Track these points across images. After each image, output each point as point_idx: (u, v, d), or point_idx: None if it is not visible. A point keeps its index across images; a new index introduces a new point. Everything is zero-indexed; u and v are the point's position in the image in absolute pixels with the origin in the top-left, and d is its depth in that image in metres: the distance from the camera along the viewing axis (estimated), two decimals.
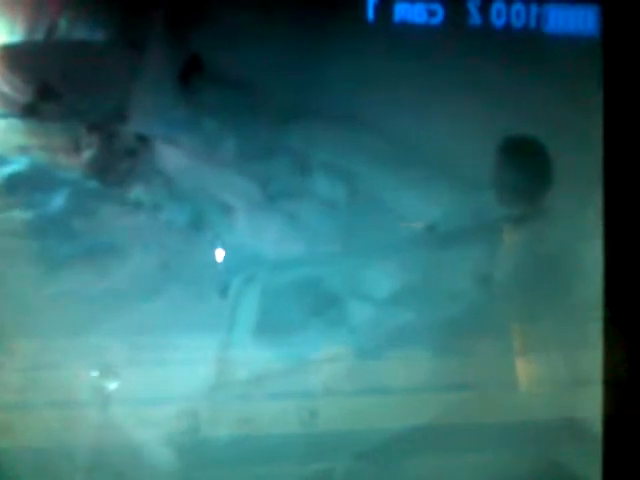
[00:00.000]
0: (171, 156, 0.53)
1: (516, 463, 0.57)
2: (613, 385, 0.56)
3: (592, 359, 0.57)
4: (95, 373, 0.53)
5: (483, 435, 0.57)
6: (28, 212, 0.52)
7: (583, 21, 0.56)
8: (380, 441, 0.55)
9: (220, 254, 0.54)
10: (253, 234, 0.54)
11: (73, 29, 0.52)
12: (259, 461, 0.54)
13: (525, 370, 0.58)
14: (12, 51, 0.52)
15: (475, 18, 0.55)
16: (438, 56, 0.55)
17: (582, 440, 0.57)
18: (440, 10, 0.55)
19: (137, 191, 0.53)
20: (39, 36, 0.52)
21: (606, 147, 0.56)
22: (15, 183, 0.52)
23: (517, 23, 0.55)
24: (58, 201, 0.52)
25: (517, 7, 0.55)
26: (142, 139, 0.53)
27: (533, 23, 0.56)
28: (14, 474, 0.53)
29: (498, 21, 0.55)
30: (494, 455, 0.57)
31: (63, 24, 0.52)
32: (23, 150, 0.52)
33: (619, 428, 0.57)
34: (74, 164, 0.52)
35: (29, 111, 0.52)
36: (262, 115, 0.54)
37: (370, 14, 0.55)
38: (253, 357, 0.54)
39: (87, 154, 0.52)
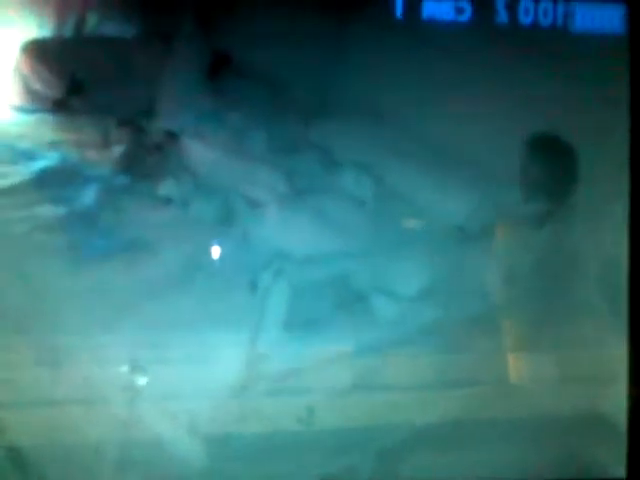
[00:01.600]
0: (199, 151, 0.53)
1: (538, 458, 0.58)
2: (638, 380, 0.57)
3: (617, 354, 0.57)
4: (123, 368, 0.53)
5: (507, 431, 0.57)
6: (57, 207, 0.52)
7: (609, 20, 0.56)
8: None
9: (248, 249, 0.54)
10: (280, 229, 0.55)
11: (102, 24, 0.52)
12: (286, 456, 0.54)
13: (550, 365, 0.58)
14: (42, 46, 0.52)
15: (502, 16, 0.55)
16: (465, 53, 0.55)
17: (606, 435, 0.58)
18: (468, 7, 0.55)
19: (166, 186, 0.53)
20: (69, 31, 0.52)
21: (632, 144, 0.56)
22: (45, 178, 0.52)
23: (544, 21, 0.56)
24: (87, 196, 0.52)
25: (545, 5, 0.56)
26: (171, 134, 0.53)
27: (560, 21, 0.56)
28: (42, 469, 0.53)
29: (525, 19, 0.56)
30: (515, 450, 0.58)
31: (93, 19, 0.52)
32: (53, 145, 0.52)
33: None
34: (103, 159, 0.52)
35: (59, 106, 0.52)
36: (289, 111, 0.55)
37: (398, 11, 0.55)
38: (281, 352, 0.54)
39: (116, 149, 0.52)
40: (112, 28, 0.52)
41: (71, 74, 0.52)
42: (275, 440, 0.55)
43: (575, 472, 0.58)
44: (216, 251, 0.54)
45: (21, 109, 0.52)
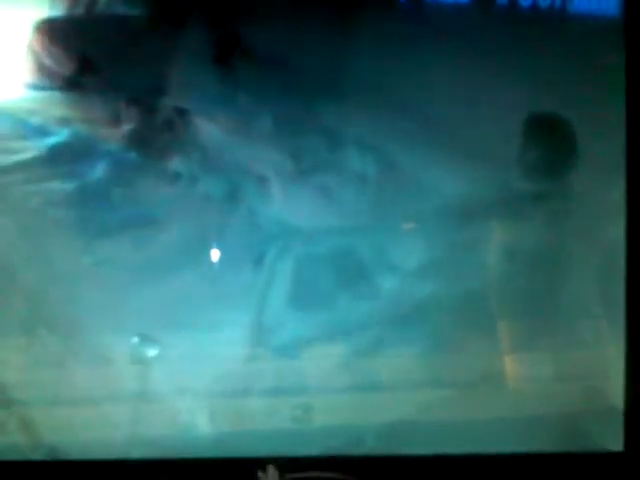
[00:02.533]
0: (208, 129, 0.55)
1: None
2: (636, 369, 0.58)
3: (615, 336, 0.58)
4: (134, 340, 0.54)
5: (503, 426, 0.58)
6: (69, 183, 0.54)
7: (606, 2, 0.58)
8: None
9: (254, 225, 0.55)
10: (286, 206, 0.56)
11: (113, 3, 0.53)
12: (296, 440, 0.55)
13: (545, 347, 0.59)
14: (54, 25, 0.53)
15: None
16: (466, 34, 0.57)
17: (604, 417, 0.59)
18: None
19: (175, 163, 0.54)
20: (80, 10, 0.53)
21: (629, 125, 0.57)
22: (56, 155, 0.53)
23: (543, 3, 0.57)
24: (98, 172, 0.54)
25: None
26: (180, 113, 0.54)
27: (558, 3, 0.57)
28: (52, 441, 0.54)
29: (525, 1, 0.57)
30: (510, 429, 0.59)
31: None
32: (64, 122, 0.53)
33: None
34: (114, 136, 0.54)
35: (71, 84, 0.53)
36: (295, 91, 0.56)
37: None
38: (286, 326, 0.56)
39: (127, 127, 0.54)
40: (123, 7, 0.53)
41: (82, 52, 0.53)
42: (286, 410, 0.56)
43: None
44: (223, 227, 0.55)
45: (33, 86, 0.53)
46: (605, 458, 0.58)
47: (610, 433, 0.59)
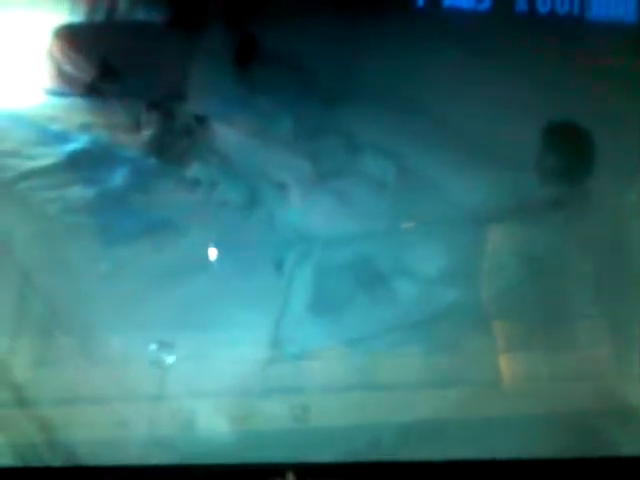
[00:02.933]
0: (227, 135, 0.55)
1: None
2: None
3: (635, 340, 0.58)
4: (151, 346, 0.54)
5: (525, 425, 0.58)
6: (88, 189, 0.54)
7: (624, 8, 0.58)
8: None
9: (273, 231, 0.55)
10: (305, 212, 0.56)
11: (133, 10, 0.53)
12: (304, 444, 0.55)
13: (562, 349, 0.59)
14: (74, 31, 0.53)
15: (521, 4, 0.57)
16: (485, 41, 0.57)
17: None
18: None
19: (194, 169, 0.54)
20: (100, 16, 0.53)
21: None
22: (76, 160, 0.54)
23: (561, 9, 0.57)
24: (118, 178, 0.54)
25: None
26: (199, 118, 0.54)
27: (577, 9, 0.57)
28: (69, 447, 0.54)
29: (543, 7, 0.57)
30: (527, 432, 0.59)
31: (124, 4, 0.53)
32: (84, 128, 0.53)
33: None
34: (133, 142, 0.54)
35: (90, 90, 0.53)
36: (314, 95, 0.56)
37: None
38: (306, 332, 0.56)
39: (146, 132, 0.54)
40: (142, 13, 0.53)
41: (102, 58, 0.53)
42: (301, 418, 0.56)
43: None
44: (242, 233, 0.55)
45: (53, 92, 0.53)
46: (621, 463, 0.58)
47: (627, 437, 0.59)
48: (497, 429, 0.57)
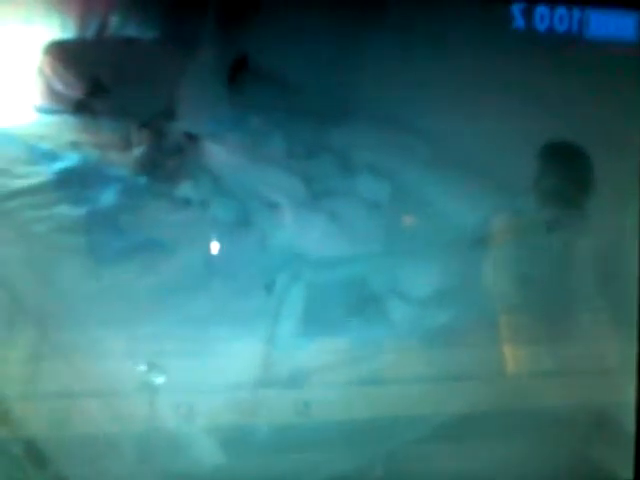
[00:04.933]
0: (218, 154, 0.54)
1: (544, 453, 0.59)
2: None
3: (627, 359, 0.58)
4: (141, 366, 0.54)
5: (510, 425, 0.58)
6: (77, 208, 0.53)
7: (623, 26, 0.57)
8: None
9: (265, 251, 0.55)
10: (297, 232, 0.55)
11: (124, 27, 0.53)
12: (307, 449, 0.55)
13: (558, 369, 0.59)
14: (64, 48, 0.52)
15: (519, 21, 0.56)
16: (481, 60, 0.56)
17: (614, 435, 0.59)
18: None
19: (185, 188, 0.54)
20: (91, 34, 0.52)
21: None
22: (65, 179, 0.53)
23: (560, 27, 0.56)
24: (108, 197, 0.53)
25: (560, 12, 0.56)
26: (190, 137, 0.54)
27: (575, 28, 0.57)
28: (57, 461, 0.53)
29: (541, 25, 0.56)
30: (519, 445, 0.58)
31: (114, 22, 0.52)
32: (74, 146, 0.53)
33: None
34: (123, 161, 0.53)
35: (81, 107, 0.52)
36: (307, 115, 0.55)
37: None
38: (296, 352, 0.55)
39: (137, 151, 0.53)
40: (133, 31, 0.53)
41: (93, 76, 0.52)
42: (294, 434, 0.55)
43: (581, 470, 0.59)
44: (233, 253, 0.55)
45: (43, 110, 0.52)
46: None
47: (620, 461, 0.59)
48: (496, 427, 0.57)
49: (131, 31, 0.53)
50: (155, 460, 0.54)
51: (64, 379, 0.53)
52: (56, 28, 0.52)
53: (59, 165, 0.53)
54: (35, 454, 0.53)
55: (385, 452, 0.56)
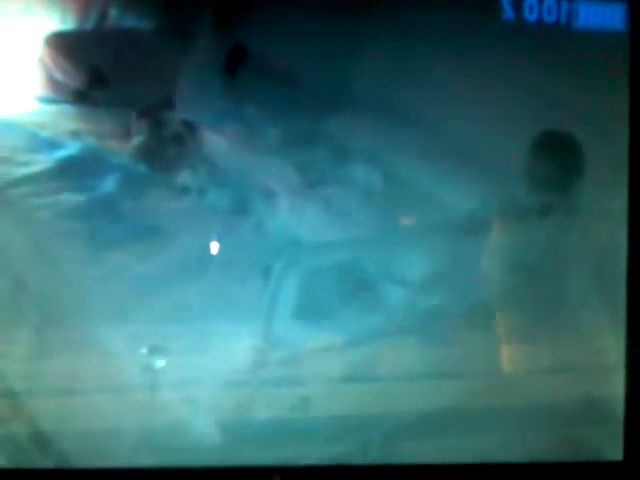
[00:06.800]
0: (216, 143, 0.55)
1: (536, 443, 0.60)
2: (636, 369, 0.59)
3: (615, 345, 0.59)
4: (141, 351, 0.55)
5: (504, 417, 0.59)
6: (77, 195, 0.54)
7: (611, 17, 0.58)
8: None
9: (261, 238, 0.56)
10: (293, 219, 0.56)
11: (123, 18, 0.54)
12: (301, 439, 0.56)
13: (549, 354, 0.60)
14: (65, 39, 0.53)
15: (508, 13, 0.57)
16: (472, 51, 0.57)
17: (603, 422, 0.60)
18: None
19: (183, 176, 0.55)
20: (91, 24, 0.54)
21: (632, 139, 0.58)
22: (66, 167, 0.54)
23: (548, 18, 0.58)
24: (107, 185, 0.54)
25: (549, 3, 0.57)
26: (189, 126, 0.55)
27: (564, 18, 0.58)
28: (64, 453, 0.54)
29: (530, 16, 0.57)
30: (513, 436, 0.60)
31: (114, 13, 0.54)
32: (74, 135, 0.54)
33: None
34: (123, 149, 0.54)
35: (80, 97, 0.54)
36: (302, 104, 0.56)
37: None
38: (293, 338, 0.56)
39: (136, 140, 0.54)
40: (133, 22, 0.54)
41: (92, 66, 0.53)
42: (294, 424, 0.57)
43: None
44: (231, 239, 0.56)
45: (43, 99, 0.54)
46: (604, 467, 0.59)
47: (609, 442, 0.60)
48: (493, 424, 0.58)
49: (130, 22, 0.54)
50: (154, 446, 0.55)
51: (64, 362, 0.54)
52: (56, 19, 0.53)
53: (60, 154, 0.54)
54: (39, 439, 0.54)
55: (378, 439, 0.58)
